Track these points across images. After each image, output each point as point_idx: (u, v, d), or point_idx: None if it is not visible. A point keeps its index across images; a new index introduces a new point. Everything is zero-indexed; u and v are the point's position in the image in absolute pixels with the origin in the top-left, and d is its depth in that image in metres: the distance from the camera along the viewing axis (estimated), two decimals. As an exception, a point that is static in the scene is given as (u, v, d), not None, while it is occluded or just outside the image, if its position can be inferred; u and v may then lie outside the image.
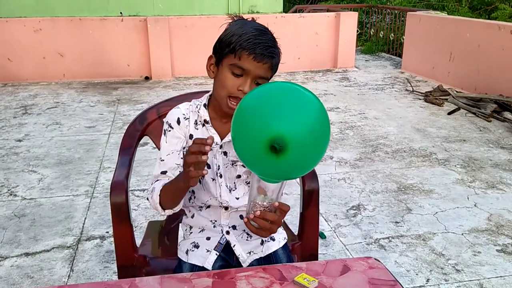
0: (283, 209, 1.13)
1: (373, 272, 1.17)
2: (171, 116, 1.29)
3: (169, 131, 1.28)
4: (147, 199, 1.28)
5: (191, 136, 1.29)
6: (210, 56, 1.25)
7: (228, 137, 1.28)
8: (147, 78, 6.32)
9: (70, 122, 4.47)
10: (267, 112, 1.00)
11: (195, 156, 1.03)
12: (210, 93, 1.30)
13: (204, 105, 1.29)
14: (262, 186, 1.10)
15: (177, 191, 1.19)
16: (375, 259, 1.23)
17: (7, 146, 3.82)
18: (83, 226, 2.60)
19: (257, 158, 1.01)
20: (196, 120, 1.29)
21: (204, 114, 1.28)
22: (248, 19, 1.23)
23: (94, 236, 2.50)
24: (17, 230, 2.55)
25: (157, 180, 1.27)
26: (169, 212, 1.24)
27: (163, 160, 1.27)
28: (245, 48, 1.14)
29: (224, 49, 1.18)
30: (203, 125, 1.28)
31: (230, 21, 1.22)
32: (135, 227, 2.51)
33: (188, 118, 1.29)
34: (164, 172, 1.27)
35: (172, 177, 1.25)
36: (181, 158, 1.28)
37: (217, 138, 1.28)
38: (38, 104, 5.10)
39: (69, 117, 4.63)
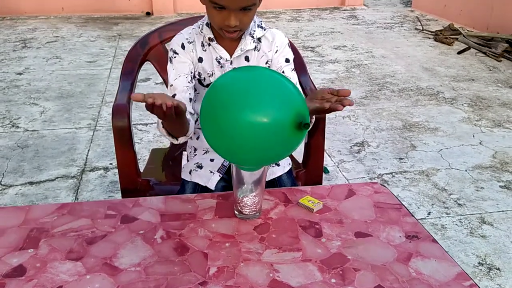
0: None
1: (379, 196, 1.16)
2: (175, 42, 1.26)
3: (175, 57, 1.25)
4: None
5: (200, 59, 1.26)
6: None
7: (238, 52, 1.25)
8: (148, 13, 6.12)
9: (71, 56, 4.37)
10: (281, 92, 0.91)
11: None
12: None
13: (207, 24, 1.25)
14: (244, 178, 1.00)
15: (170, 122, 1.11)
16: (381, 184, 1.22)
17: (8, 79, 3.76)
18: (86, 158, 2.60)
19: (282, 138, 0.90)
20: (202, 42, 1.26)
21: (208, 33, 1.24)
22: None
23: (98, 167, 2.50)
24: (20, 160, 2.55)
25: None
26: (183, 139, 1.20)
27: (172, 85, 1.25)
28: None
29: None
30: (209, 44, 1.25)
31: None
32: (139, 159, 2.51)
33: (193, 42, 1.26)
34: (173, 96, 1.24)
35: (182, 100, 1.22)
36: (189, 81, 1.26)
37: (226, 54, 1.25)
38: (37, 38, 4.97)
39: (69, 51, 4.53)
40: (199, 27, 1.26)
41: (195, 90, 1.31)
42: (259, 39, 1.27)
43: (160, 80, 3.54)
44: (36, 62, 4.19)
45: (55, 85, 3.65)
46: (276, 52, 1.28)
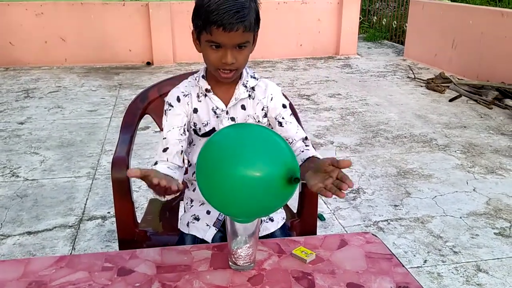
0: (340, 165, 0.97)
1: (370, 246, 1.18)
2: (171, 95, 1.31)
3: (170, 110, 1.29)
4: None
5: (195, 110, 1.31)
6: (192, 31, 1.25)
7: (233, 101, 1.30)
8: (148, 63, 6.30)
9: (72, 105, 4.47)
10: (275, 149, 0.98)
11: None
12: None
13: (203, 76, 1.31)
14: (238, 230, 1.05)
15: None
16: (373, 234, 1.25)
17: (9, 129, 3.83)
18: (84, 207, 2.62)
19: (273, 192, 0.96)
20: (197, 93, 1.31)
21: (204, 85, 1.30)
22: None
23: (95, 216, 2.52)
24: (19, 210, 2.57)
25: (155, 164, 1.27)
26: (169, 197, 1.20)
27: (165, 138, 1.28)
28: (212, 22, 1.13)
29: (196, 27, 1.20)
30: (205, 95, 1.30)
31: None
32: (137, 207, 2.53)
33: (188, 95, 1.31)
34: (165, 150, 1.27)
35: (173, 153, 1.27)
36: (181, 134, 1.28)
37: (222, 105, 1.30)
38: (40, 88, 5.10)
39: (71, 101, 4.64)
40: (195, 79, 1.32)
41: (192, 141, 1.36)
42: (252, 88, 1.33)
43: (159, 129, 3.62)
44: (38, 111, 4.29)
45: (56, 134, 3.72)
46: (271, 100, 1.32)
